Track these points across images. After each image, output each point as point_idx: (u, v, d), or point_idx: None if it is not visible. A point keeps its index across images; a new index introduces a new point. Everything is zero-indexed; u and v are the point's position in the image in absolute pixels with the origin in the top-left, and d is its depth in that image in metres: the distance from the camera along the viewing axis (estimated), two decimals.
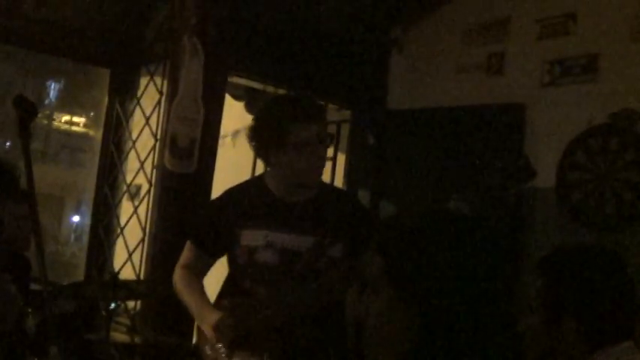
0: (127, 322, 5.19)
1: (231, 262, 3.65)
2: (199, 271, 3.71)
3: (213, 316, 3.39)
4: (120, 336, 4.99)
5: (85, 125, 10.48)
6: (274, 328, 3.37)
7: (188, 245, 3.72)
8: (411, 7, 6.08)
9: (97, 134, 6.11)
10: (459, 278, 4.01)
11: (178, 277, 3.66)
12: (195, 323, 3.71)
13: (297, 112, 3.45)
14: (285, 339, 3.38)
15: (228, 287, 3.65)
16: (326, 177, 6.43)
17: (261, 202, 3.57)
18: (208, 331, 3.40)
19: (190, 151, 5.07)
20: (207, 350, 3.44)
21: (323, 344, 3.47)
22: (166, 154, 5.05)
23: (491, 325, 4.16)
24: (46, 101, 10.05)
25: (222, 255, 3.71)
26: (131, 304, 5.25)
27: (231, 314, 3.39)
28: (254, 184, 3.79)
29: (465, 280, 4.07)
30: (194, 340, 3.81)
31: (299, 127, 3.41)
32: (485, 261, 4.71)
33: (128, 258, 5.37)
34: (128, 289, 4.44)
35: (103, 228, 5.79)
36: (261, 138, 3.50)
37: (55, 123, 10.99)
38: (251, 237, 3.51)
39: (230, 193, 3.84)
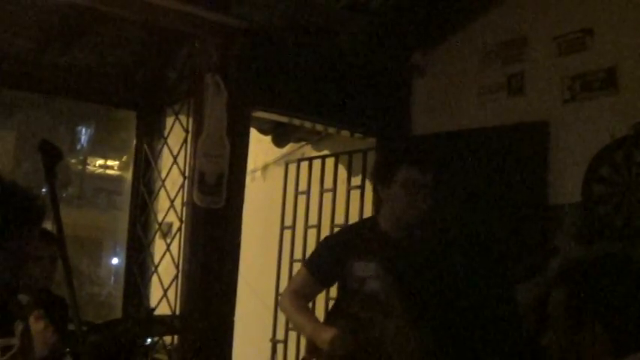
0: (164, 357, 5.25)
1: (341, 290, 4.27)
2: (308, 296, 4.38)
3: (329, 333, 3.79)
4: None
5: (119, 168, 10.61)
6: (381, 347, 3.64)
7: (303, 273, 4.31)
8: (430, 31, 6.12)
9: (130, 176, 6.20)
10: (480, 296, 4.04)
11: (289, 300, 4.26)
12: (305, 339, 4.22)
13: (405, 156, 4.10)
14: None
15: (336, 311, 4.17)
16: (354, 205, 6.50)
17: (372, 237, 4.15)
18: (323, 346, 3.84)
19: (218, 187, 5.14)
20: None
21: None
22: (195, 191, 5.13)
23: (516, 342, 4.17)
24: (78, 146, 10.18)
25: (332, 284, 4.40)
26: (168, 339, 5.31)
27: (345, 331, 3.70)
28: (367, 221, 4.50)
29: (486, 298, 4.10)
30: (302, 354, 4.36)
31: (404, 168, 4.00)
32: (511, 278, 4.73)
33: (163, 295, 5.44)
34: (164, 324, 4.51)
35: (138, 267, 5.86)
36: (375, 176, 4.24)
37: (90, 167, 11.13)
38: (362, 268, 4.04)
39: (345, 230, 4.68)
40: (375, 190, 4.30)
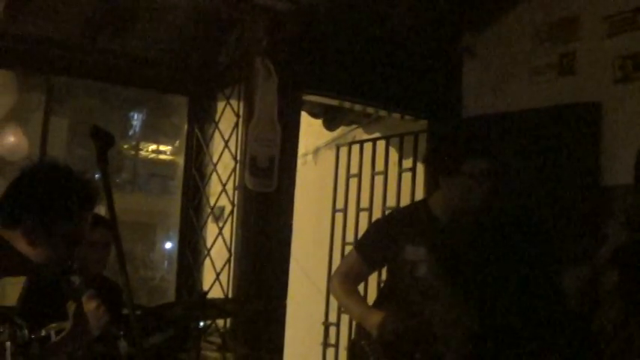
0: (218, 340, 5.28)
1: (391, 273, 4.26)
2: (358, 279, 4.37)
3: (376, 317, 3.92)
4: (212, 354, 5.10)
5: (171, 153, 10.65)
6: (427, 332, 3.83)
7: (353, 256, 4.34)
8: (480, 12, 6.08)
9: (182, 161, 6.23)
10: (529, 281, 4.03)
11: (338, 283, 4.27)
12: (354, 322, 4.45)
13: (472, 147, 4.04)
14: (437, 342, 3.83)
15: (386, 294, 4.25)
16: (406, 187, 6.49)
17: (423, 221, 4.13)
18: (371, 330, 3.93)
19: (270, 171, 5.18)
20: (365, 346, 4.00)
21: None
22: (247, 174, 5.17)
23: (565, 327, 4.15)
24: (130, 132, 10.23)
25: (382, 267, 4.49)
26: (221, 322, 5.35)
27: (394, 315, 3.89)
28: (418, 205, 4.45)
29: (535, 283, 4.08)
30: (352, 337, 4.46)
31: (472, 160, 3.95)
32: (561, 262, 4.69)
33: (216, 278, 5.47)
34: (217, 307, 4.54)
35: (191, 250, 5.90)
36: (436, 163, 4.16)
37: (142, 153, 11.20)
38: (413, 252, 4.01)
39: (396, 214, 4.78)
40: (432, 177, 4.23)
